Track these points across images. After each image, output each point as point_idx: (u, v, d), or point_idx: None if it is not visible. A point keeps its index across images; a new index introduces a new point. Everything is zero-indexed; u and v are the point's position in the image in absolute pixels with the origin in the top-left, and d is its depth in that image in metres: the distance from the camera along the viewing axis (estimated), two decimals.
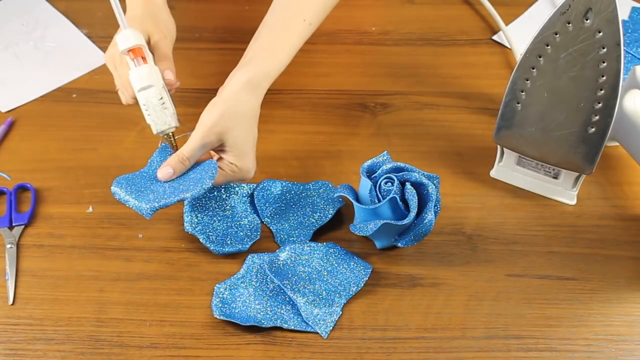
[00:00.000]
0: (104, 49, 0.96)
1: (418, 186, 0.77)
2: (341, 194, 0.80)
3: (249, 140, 0.80)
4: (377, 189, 0.77)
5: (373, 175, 0.79)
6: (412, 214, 0.76)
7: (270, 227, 0.83)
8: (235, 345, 0.73)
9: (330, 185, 0.86)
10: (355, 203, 0.78)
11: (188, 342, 0.74)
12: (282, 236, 0.82)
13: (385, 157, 0.80)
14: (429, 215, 0.76)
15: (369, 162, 0.79)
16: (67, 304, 0.77)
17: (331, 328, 0.75)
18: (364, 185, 0.79)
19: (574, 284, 0.79)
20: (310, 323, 0.75)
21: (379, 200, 0.77)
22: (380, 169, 0.78)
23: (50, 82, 0.99)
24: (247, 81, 0.80)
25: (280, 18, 0.85)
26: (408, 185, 0.77)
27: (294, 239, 0.82)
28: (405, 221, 0.76)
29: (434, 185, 0.77)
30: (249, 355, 0.73)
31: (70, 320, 0.75)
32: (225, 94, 0.80)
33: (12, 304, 0.76)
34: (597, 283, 0.79)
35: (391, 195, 0.75)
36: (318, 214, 0.83)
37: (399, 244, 0.79)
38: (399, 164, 0.78)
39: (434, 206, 0.77)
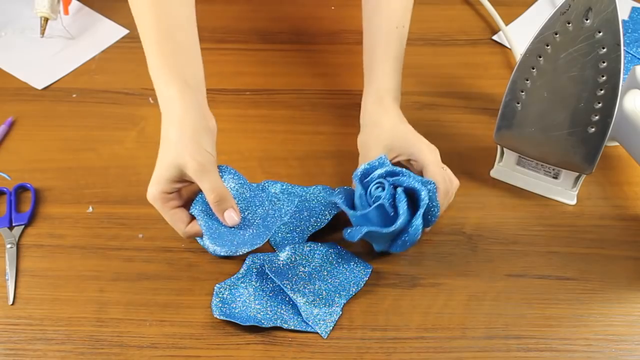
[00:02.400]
0: (117, 21, 0.99)
1: (412, 191, 0.76)
2: (335, 199, 0.79)
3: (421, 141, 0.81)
4: (368, 194, 0.77)
5: (366, 180, 0.78)
6: (399, 221, 0.74)
7: None
8: (235, 345, 0.73)
9: (330, 190, 0.85)
10: (345, 209, 0.77)
11: (188, 342, 0.74)
12: (276, 238, 0.82)
13: (382, 161, 0.79)
14: (417, 222, 0.75)
15: (362, 167, 0.78)
16: (67, 304, 0.77)
17: (331, 328, 0.75)
18: (357, 191, 0.78)
19: (574, 284, 0.79)
20: (310, 323, 0.74)
21: (370, 206, 0.76)
22: (373, 173, 0.77)
23: (76, 57, 1.02)
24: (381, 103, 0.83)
25: (376, 35, 0.86)
26: (399, 190, 0.75)
27: (288, 242, 0.81)
28: (391, 229, 0.74)
29: (428, 190, 0.75)
30: (249, 355, 0.73)
31: (70, 320, 0.75)
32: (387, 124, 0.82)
33: (12, 304, 0.76)
34: (597, 283, 0.79)
35: (379, 202, 0.74)
36: (315, 218, 0.83)
37: (391, 250, 0.78)
38: (394, 168, 0.77)
39: (428, 212, 0.76)
